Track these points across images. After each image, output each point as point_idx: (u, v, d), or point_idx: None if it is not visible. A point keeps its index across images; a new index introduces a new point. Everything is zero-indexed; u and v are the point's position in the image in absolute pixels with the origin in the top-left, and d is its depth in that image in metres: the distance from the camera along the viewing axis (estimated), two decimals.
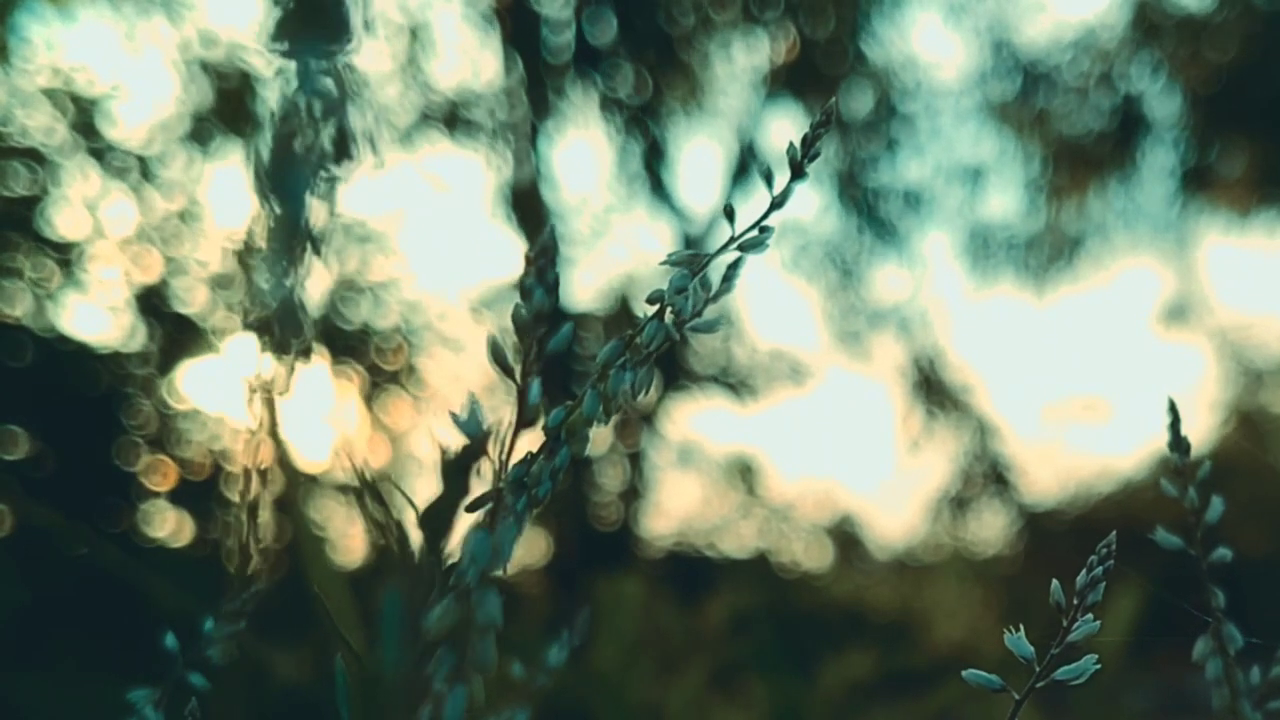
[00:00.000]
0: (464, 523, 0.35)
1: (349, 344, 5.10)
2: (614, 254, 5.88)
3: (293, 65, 0.30)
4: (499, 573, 0.34)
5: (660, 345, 0.43)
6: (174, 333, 4.40)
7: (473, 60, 5.55)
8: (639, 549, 5.95)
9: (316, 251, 0.31)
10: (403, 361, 5.31)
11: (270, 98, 0.30)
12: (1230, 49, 5.76)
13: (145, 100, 4.51)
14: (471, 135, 5.57)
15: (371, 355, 5.20)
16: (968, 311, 7.34)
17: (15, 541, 2.97)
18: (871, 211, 6.22)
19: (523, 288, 0.39)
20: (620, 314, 5.60)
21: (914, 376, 6.61)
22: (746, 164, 5.77)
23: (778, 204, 0.45)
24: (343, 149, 0.30)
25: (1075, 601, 0.43)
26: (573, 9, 5.57)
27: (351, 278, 5.12)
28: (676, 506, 6.49)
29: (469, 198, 6.10)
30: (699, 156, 7.65)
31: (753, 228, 0.45)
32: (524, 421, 0.38)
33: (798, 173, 0.45)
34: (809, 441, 8.21)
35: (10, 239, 4.05)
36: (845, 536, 7.37)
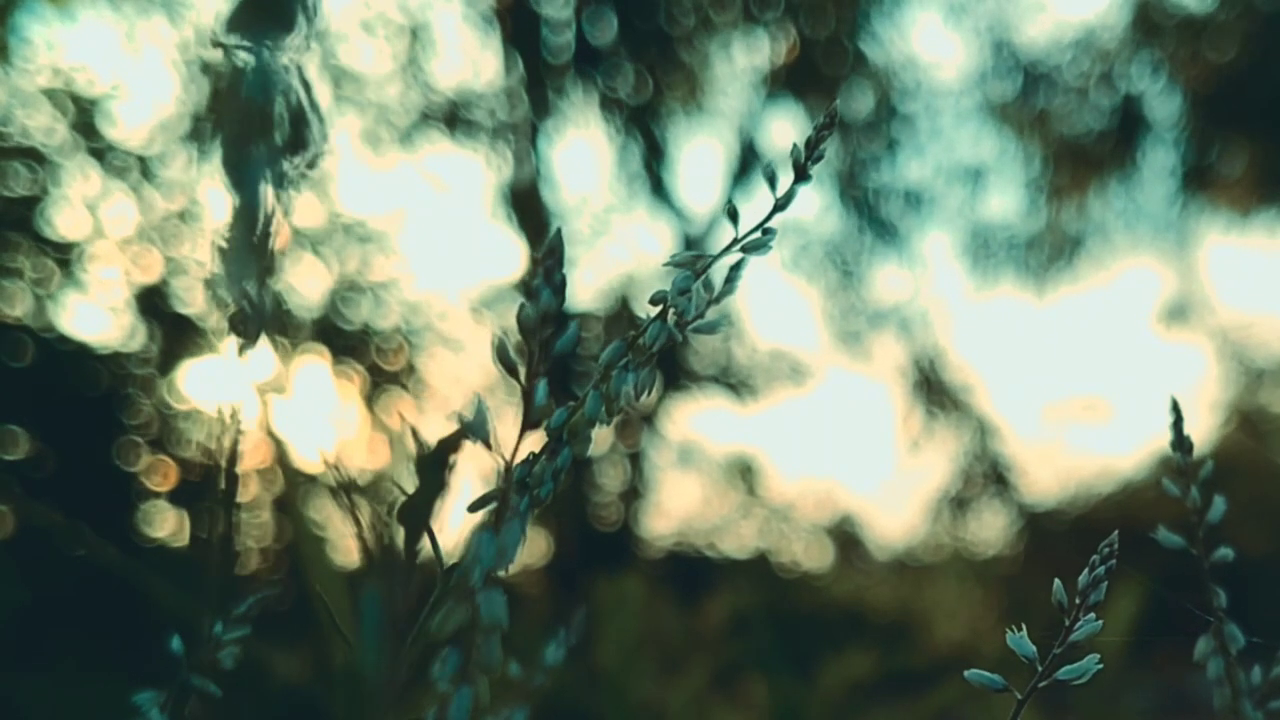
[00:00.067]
0: (445, 520, 0.35)
1: (349, 344, 5.10)
2: (614, 254, 5.88)
3: (247, 56, 0.30)
4: (502, 573, 0.34)
5: (662, 346, 0.43)
6: (174, 333, 4.40)
7: (473, 60, 5.55)
8: (639, 549, 5.95)
9: (273, 242, 0.31)
10: (403, 362, 5.31)
11: (228, 88, 0.30)
12: (1230, 49, 5.76)
13: (145, 100, 4.51)
14: (471, 135, 5.57)
15: (372, 355, 5.20)
16: (968, 311, 7.35)
17: (15, 541, 2.98)
18: (872, 211, 6.22)
19: (529, 289, 0.39)
20: (620, 314, 5.60)
21: (914, 376, 6.61)
22: (747, 164, 5.77)
23: (781, 206, 0.45)
24: (298, 140, 0.30)
25: (1077, 601, 0.43)
26: (573, 9, 5.57)
27: (352, 278, 5.12)
28: (676, 506, 6.49)
29: (469, 198, 6.10)
30: (699, 156, 7.66)
31: (756, 229, 0.45)
32: (531, 422, 0.38)
33: (801, 175, 0.45)
34: (809, 441, 8.22)
35: (10, 239, 4.05)
36: (845, 536, 7.37)
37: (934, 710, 1.86)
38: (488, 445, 0.36)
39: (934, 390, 6.61)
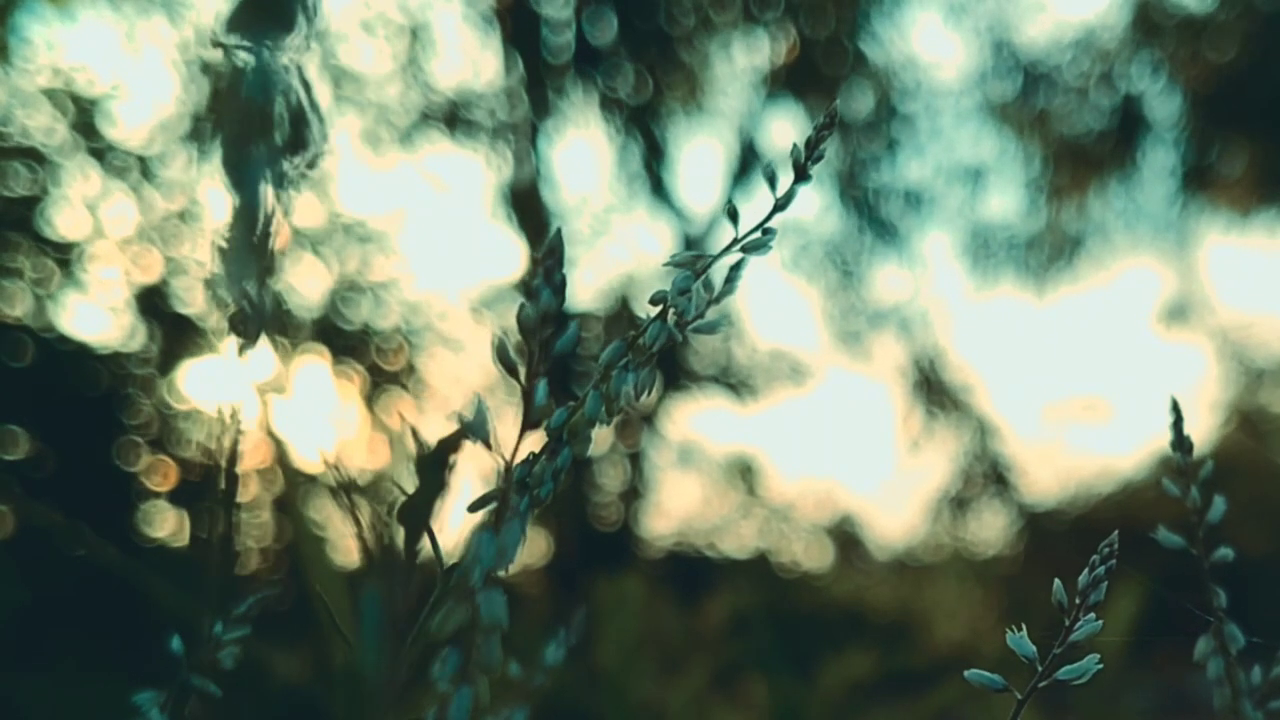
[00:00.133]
0: (445, 520, 0.35)
1: (349, 344, 5.10)
2: (614, 254, 5.88)
3: (246, 55, 0.30)
4: (502, 573, 0.34)
5: (663, 346, 0.43)
6: (174, 333, 4.40)
7: (473, 60, 5.55)
8: (639, 549, 5.95)
9: (273, 242, 0.31)
10: (403, 362, 5.31)
11: (228, 88, 0.30)
12: (1230, 49, 5.76)
13: (145, 100, 4.51)
14: (471, 135, 5.57)
15: (372, 355, 5.20)
16: (968, 311, 7.35)
17: (15, 541, 2.98)
18: (872, 212, 6.22)
19: (530, 288, 0.39)
20: (620, 314, 5.60)
21: (914, 376, 6.61)
22: (747, 164, 5.77)
23: (781, 206, 0.45)
24: (299, 139, 0.30)
25: (1077, 601, 0.43)
26: (573, 9, 5.57)
27: (352, 278, 5.12)
28: (676, 506, 6.49)
29: (469, 198, 6.10)
30: (699, 156, 7.66)
31: (756, 229, 0.45)
32: (531, 422, 0.38)
33: (801, 175, 0.45)
34: (809, 441, 8.22)
35: (10, 239, 4.05)
36: (845, 536, 7.37)
37: (934, 710, 1.86)
38: (488, 445, 0.36)
39: (934, 390, 6.61)
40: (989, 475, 6.98)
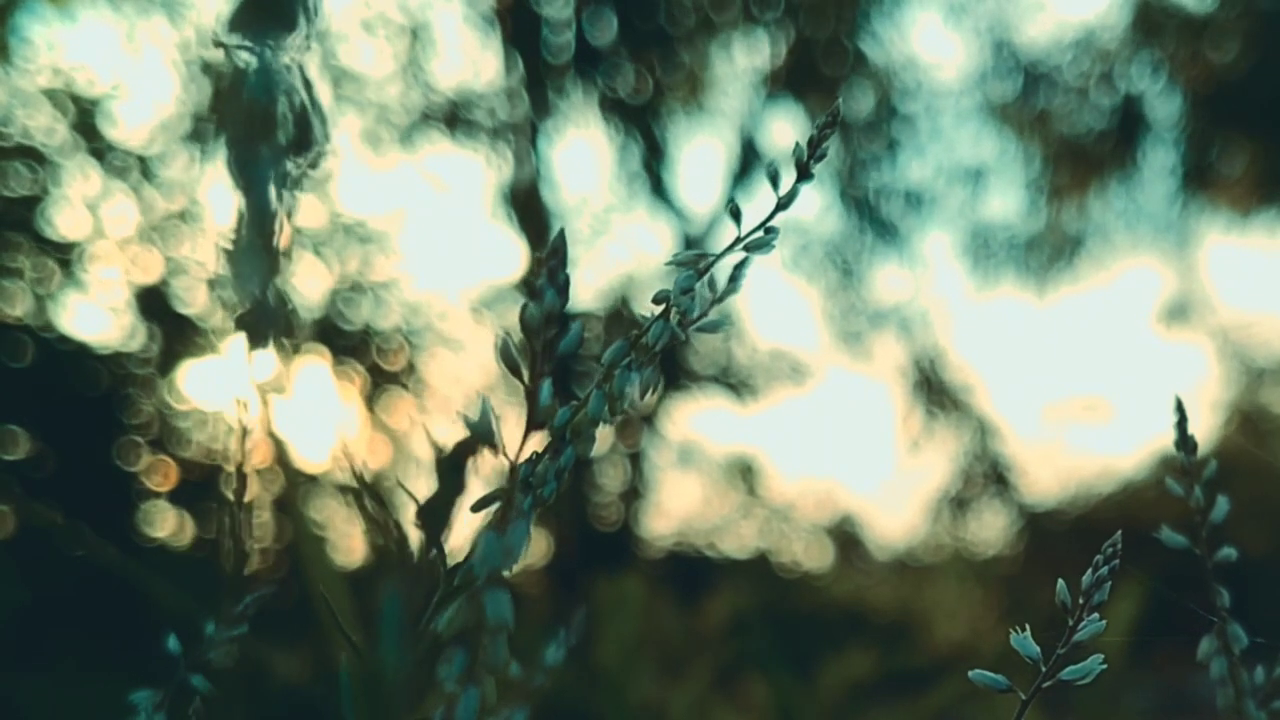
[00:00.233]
0: (462, 520, 0.34)
1: (349, 344, 5.10)
2: (614, 254, 5.88)
3: (250, 55, 0.30)
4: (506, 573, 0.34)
5: (665, 346, 0.43)
6: (174, 333, 4.40)
7: (473, 60, 5.55)
8: (639, 549, 5.95)
9: (279, 242, 0.31)
10: (403, 362, 5.31)
11: (230, 88, 0.30)
12: (1230, 49, 5.76)
13: (145, 100, 4.51)
14: (472, 135, 5.57)
15: (372, 355, 5.20)
16: (968, 312, 7.34)
17: (15, 541, 2.98)
18: (872, 211, 6.22)
19: (534, 288, 0.39)
20: (620, 314, 5.60)
21: (914, 376, 6.61)
22: (747, 164, 5.77)
23: (784, 205, 0.45)
24: (304, 138, 0.30)
25: (1081, 601, 0.43)
26: (573, 9, 5.57)
27: (352, 278, 5.12)
28: (676, 506, 6.49)
29: (469, 198, 6.10)
30: (699, 156, 7.66)
31: (759, 228, 0.45)
32: (535, 423, 0.38)
33: (803, 174, 0.45)
34: (809, 441, 8.22)
35: (10, 239, 4.05)
36: (845, 536, 7.37)
37: (934, 710, 1.86)
38: (494, 446, 0.36)
39: (934, 390, 6.61)
40: (989, 475, 6.98)
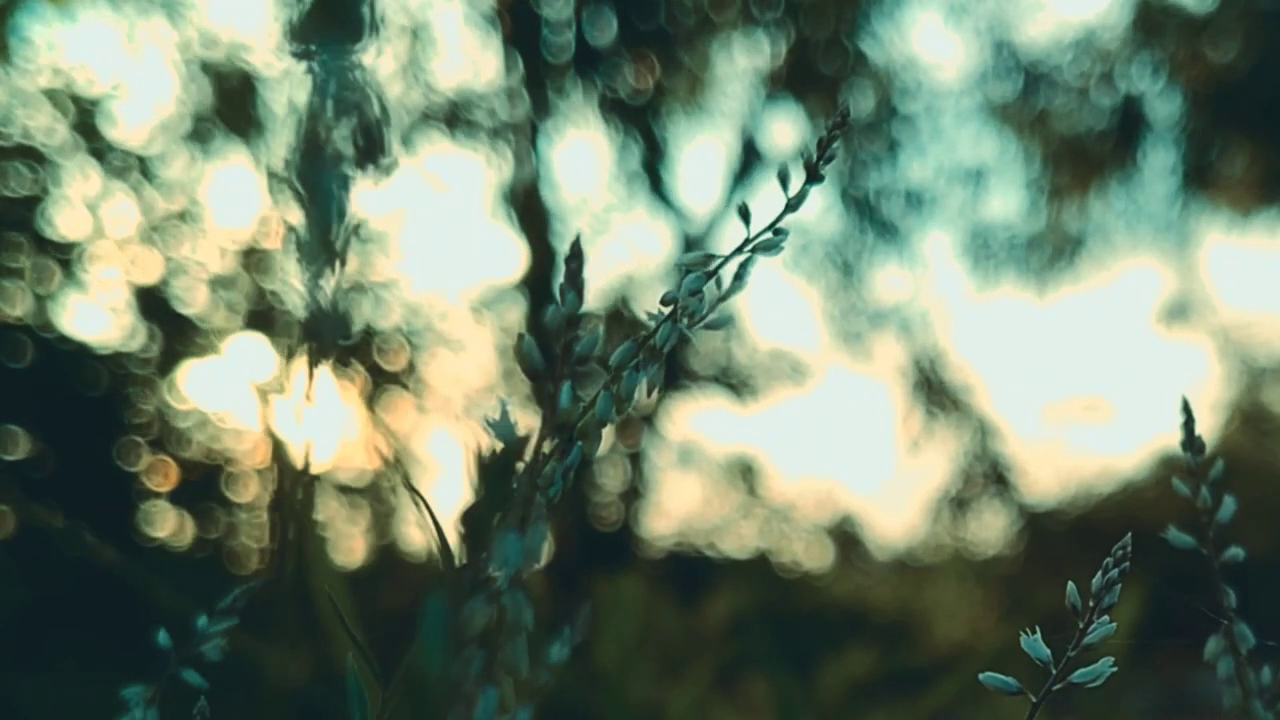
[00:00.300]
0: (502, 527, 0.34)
1: (350, 344, 5.09)
2: (614, 254, 5.88)
3: (315, 65, 0.30)
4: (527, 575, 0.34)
5: (672, 346, 0.43)
6: (174, 333, 4.40)
7: (474, 60, 5.55)
8: (639, 549, 5.95)
9: (346, 250, 0.31)
10: (404, 362, 5.32)
11: (294, 99, 0.30)
12: (1230, 49, 5.76)
13: (145, 100, 4.51)
14: (472, 135, 5.57)
15: (373, 356, 5.21)
16: (968, 311, 7.34)
17: (15, 541, 2.98)
18: (873, 212, 6.22)
19: (557, 290, 0.39)
20: (620, 314, 5.60)
21: (914, 376, 6.60)
22: (747, 164, 5.77)
23: (793, 206, 0.44)
24: (371, 148, 0.30)
25: (1091, 604, 0.43)
26: (573, 9, 5.57)
27: (352, 278, 5.12)
28: (676, 506, 6.49)
29: (469, 198, 6.10)
30: (699, 156, 7.66)
31: (768, 229, 0.45)
32: (556, 425, 0.38)
33: (813, 175, 0.45)
34: (809, 441, 8.22)
35: (10, 239, 4.05)
36: (845, 536, 7.37)
37: (934, 710, 1.86)
38: (521, 449, 0.36)
39: (934, 390, 6.61)
40: (989, 475, 6.98)
